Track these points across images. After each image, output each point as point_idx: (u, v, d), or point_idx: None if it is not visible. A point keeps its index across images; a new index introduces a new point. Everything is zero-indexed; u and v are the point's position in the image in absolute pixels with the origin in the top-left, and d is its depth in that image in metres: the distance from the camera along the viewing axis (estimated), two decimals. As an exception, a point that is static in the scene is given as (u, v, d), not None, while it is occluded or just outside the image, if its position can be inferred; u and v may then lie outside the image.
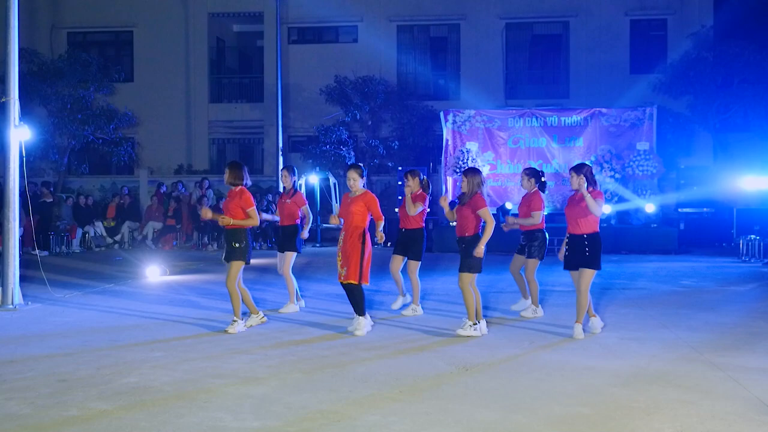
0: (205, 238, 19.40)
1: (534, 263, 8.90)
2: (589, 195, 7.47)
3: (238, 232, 7.93)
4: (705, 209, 20.85)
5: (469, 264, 7.63)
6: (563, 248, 7.95)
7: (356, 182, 7.94)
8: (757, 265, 15.13)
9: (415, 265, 9.06)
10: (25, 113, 10.35)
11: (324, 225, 19.97)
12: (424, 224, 9.17)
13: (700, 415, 5.08)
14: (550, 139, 19.84)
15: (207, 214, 8.52)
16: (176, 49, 26.65)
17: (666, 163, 19.71)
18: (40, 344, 7.38)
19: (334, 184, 21.50)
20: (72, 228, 18.44)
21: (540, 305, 9.11)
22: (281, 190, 9.92)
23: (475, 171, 7.86)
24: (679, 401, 5.40)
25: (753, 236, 16.14)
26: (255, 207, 8.05)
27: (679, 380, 5.97)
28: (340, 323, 8.45)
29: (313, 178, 21.11)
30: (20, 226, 10.51)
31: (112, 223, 20.09)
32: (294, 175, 9.49)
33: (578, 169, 7.66)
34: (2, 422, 4.94)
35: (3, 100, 9.89)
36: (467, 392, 5.65)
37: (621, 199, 19.02)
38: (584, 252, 7.61)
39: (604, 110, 19.83)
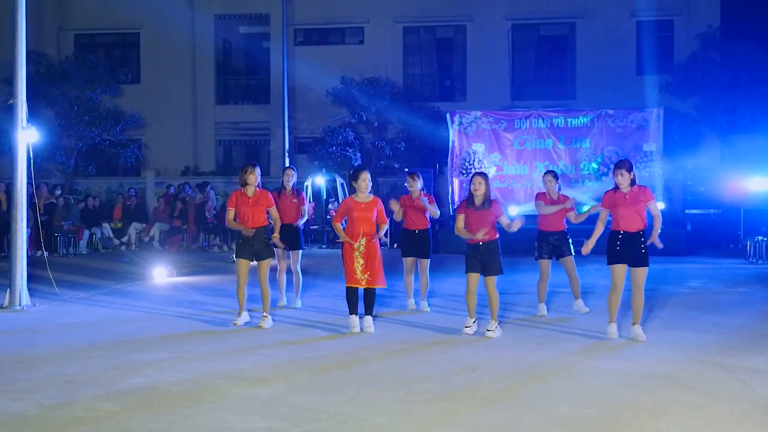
0: (217, 239, 19.41)
1: (572, 259, 9.15)
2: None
3: (267, 231, 8.34)
4: (712, 210, 20.76)
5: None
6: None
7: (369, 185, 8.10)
8: (764, 266, 15.05)
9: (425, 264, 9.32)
10: (33, 115, 10.39)
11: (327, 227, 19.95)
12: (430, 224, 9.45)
13: (707, 416, 5.07)
14: (556, 141, 19.79)
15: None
16: (182, 50, 26.67)
17: (673, 165, 19.65)
18: (47, 345, 7.40)
19: (341, 185, 21.50)
20: (79, 229, 18.48)
21: (582, 299, 9.49)
22: (284, 188, 9.63)
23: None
24: (686, 403, 5.39)
25: (760, 237, 16.06)
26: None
27: (686, 382, 5.96)
28: (345, 323, 8.31)
29: (320, 180, 21.15)
30: (28, 227, 10.54)
31: (119, 225, 20.12)
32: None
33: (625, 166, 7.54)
34: (10, 423, 4.96)
35: (11, 102, 9.92)
36: (474, 393, 5.65)
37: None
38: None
39: (610, 111, 19.75)
